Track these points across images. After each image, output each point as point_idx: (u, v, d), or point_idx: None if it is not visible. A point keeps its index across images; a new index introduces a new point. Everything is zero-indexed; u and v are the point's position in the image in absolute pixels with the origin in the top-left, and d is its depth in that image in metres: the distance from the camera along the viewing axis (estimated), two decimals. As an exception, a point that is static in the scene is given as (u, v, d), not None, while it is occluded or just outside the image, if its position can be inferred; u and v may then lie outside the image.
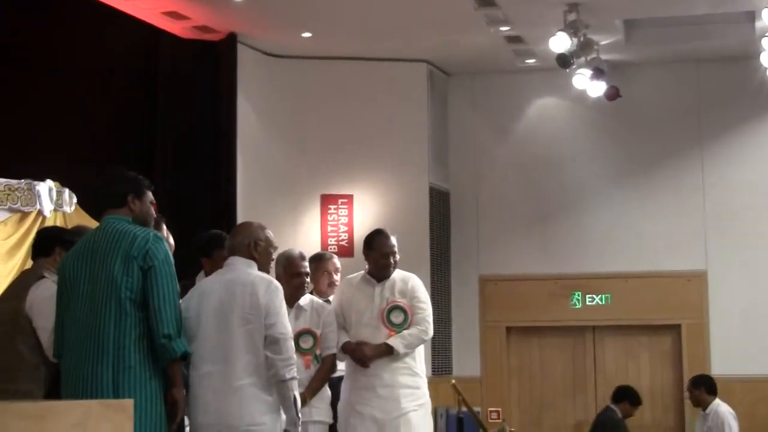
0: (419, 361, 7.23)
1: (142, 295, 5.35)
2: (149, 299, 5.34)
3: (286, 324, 5.80)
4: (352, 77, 11.54)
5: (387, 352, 7.09)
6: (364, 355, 7.07)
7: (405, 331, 7.14)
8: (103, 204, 5.66)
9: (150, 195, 5.70)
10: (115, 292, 5.33)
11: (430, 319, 7.27)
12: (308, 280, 7.19)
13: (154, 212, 5.72)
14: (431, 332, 7.27)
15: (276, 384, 5.72)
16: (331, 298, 7.69)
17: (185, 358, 5.46)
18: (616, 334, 12.02)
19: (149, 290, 5.35)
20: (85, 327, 5.36)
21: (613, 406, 10.51)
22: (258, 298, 5.72)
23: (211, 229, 7.30)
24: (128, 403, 3.51)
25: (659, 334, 11.91)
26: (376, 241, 7.34)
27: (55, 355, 5.61)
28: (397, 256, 7.31)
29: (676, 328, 11.84)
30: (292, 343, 5.84)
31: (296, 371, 5.82)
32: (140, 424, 5.23)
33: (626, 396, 10.53)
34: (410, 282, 7.30)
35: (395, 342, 7.09)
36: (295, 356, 5.83)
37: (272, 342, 5.70)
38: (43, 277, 5.97)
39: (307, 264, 7.19)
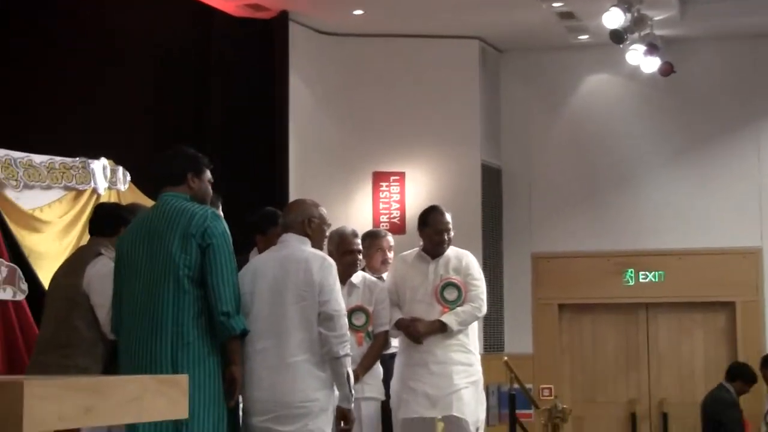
0: (472, 338, 7.25)
1: (200, 272, 5.38)
2: (208, 277, 5.37)
3: (340, 301, 5.82)
4: (403, 54, 11.52)
5: (440, 329, 7.10)
6: (417, 332, 7.08)
7: (459, 308, 7.14)
8: (162, 181, 5.68)
9: (208, 173, 5.73)
10: (173, 270, 5.36)
11: (484, 296, 7.27)
12: (360, 257, 7.22)
13: (211, 190, 5.75)
14: (485, 309, 7.27)
15: (330, 361, 5.74)
16: (384, 275, 7.71)
17: (244, 335, 5.50)
18: (669, 311, 11.95)
19: (208, 268, 5.38)
20: (143, 304, 5.41)
21: (726, 384, 10.14)
22: (312, 275, 5.74)
23: (264, 206, 7.33)
24: (183, 378, 3.53)
25: (713, 312, 11.82)
26: (430, 218, 7.35)
27: (112, 331, 5.66)
28: (452, 233, 7.31)
29: (730, 306, 11.75)
30: (346, 320, 5.86)
31: (350, 348, 5.85)
32: (198, 400, 5.28)
33: (741, 374, 10.14)
34: (464, 259, 7.30)
35: (449, 319, 7.10)
36: (348, 333, 5.86)
37: (326, 319, 5.72)
38: (100, 254, 6.02)
39: (359, 241, 7.21)
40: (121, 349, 5.56)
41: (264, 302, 5.71)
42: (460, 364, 7.14)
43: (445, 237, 7.28)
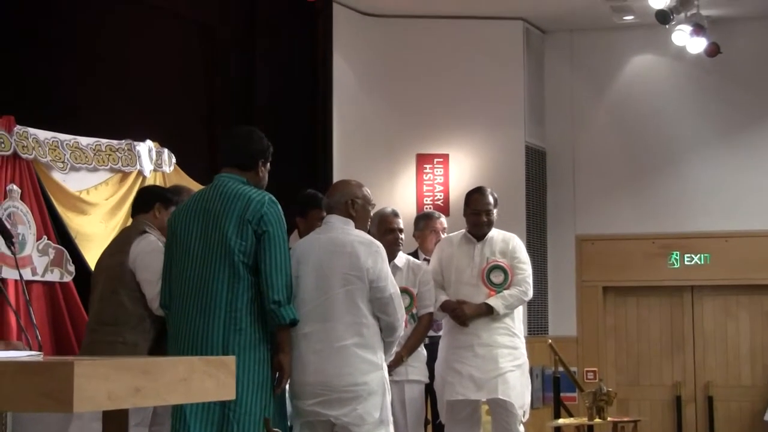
0: (518, 321, 7.23)
1: (254, 259, 5.39)
2: (261, 264, 5.37)
3: (395, 283, 5.85)
4: (447, 36, 11.49)
5: (487, 312, 7.09)
6: (463, 314, 7.08)
7: (505, 292, 7.13)
8: (229, 160, 5.67)
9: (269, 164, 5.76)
10: (228, 255, 5.36)
11: (530, 280, 7.25)
12: (402, 236, 7.21)
13: (267, 181, 5.77)
14: (531, 293, 7.26)
15: (386, 344, 5.79)
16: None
17: (294, 324, 5.50)
18: (714, 294, 11.87)
19: (262, 255, 5.38)
20: (196, 284, 5.42)
21: None
22: (359, 260, 5.72)
23: (308, 188, 7.34)
24: (230, 360, 3.55)
25: (759, 294, 11.73)
26: (471, 199, 7.35)
27: (162, 306, 5.69)
28: (493, 215, 7.28)
29: (776, 289, 11.67)
30: (401, 302, 5.88)
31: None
32: (247, 386, 5.30)
33: None
34: (511, 242, 7.28)
35: (496, 302, 7.09)
36: (403, 311, 5.90)
37: (385, 304, 5.73)
38: (145, 232, 6.08)
39: (400, 221, 7.21)
40: (171, 326, 5.58)
41: (310, 286, 5.72)
42: (506, 348, 7.13)
43: (483, 218, 7.24)
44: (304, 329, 5.65)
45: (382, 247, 5.92)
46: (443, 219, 8.00)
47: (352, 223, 5.91)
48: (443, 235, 7.81)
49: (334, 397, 5.64)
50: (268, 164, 5.73)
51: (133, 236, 6.09)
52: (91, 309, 6.27)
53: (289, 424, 5.73)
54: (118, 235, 6.44)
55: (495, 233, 7.31)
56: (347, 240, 5.80)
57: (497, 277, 7.17)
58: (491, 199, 7.30)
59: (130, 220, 6.68)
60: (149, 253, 5.96)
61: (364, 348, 5.70)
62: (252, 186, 5.55)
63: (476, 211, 7.28)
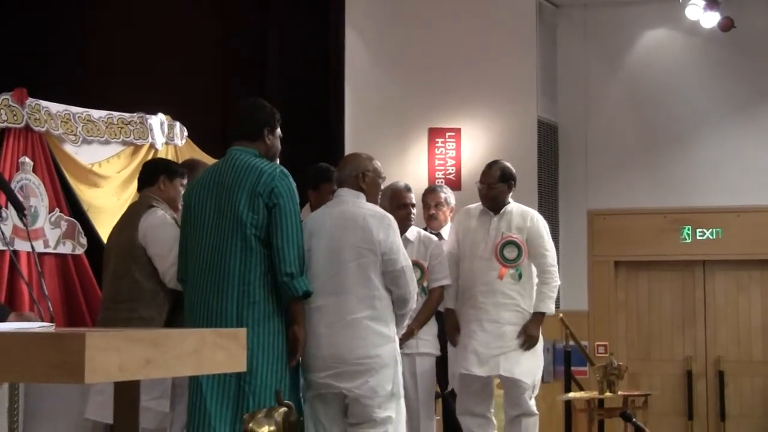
0: (527, 298, 7.22)
1: (267, 232, 5.40)
2: (272, 237, 5.39)
3: (407, 256, 5.86)
4: (460, 10, 11.43)
5: (542, 318, 7.16)
6: (535, 338, 7.13)
7: (542, 289, 7.15)
8: (237, 133, 5.68)
9: (279, 129, 5.74)
10: (240, 229, 5.38)
11: (555, 265, 7.26)
12: (414, 211, 7.22)
13: (280, 146, 5.76)
14: (558, 279, 7.28)
15: (398, 317, 5.81)
16: (442, 231, 7.73)
17: (307, 296, 5.51)
18: (726, 268, 11.85)
19: (273, 228, 5.39)
20: (210, 258, 5.44)
21: None
22: (371, 233, 5.73)
23: (320, 162, 7.34)
24: (241, 332, 3.57)
25: (771, 269, 11.72)
26: (482, 171, 7.37)
27: (179, 279, 5.72)
28: (496, 189, 7.24)
29: (788, 264, 11.66)
30: (413, 274, 5.90)
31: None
32: (262, 358, 5.33)
33: None
34: (529, 220, 7.26)
35: (544, 307, 7.15)
36: (415, 284, 5.92)
37: (397, 277, 5.74)
38: (152, 206, 6.09)
39: (413, 195, 7.22)
40: (187, 299, 5.61)
41: (322, 259, 5.73)
42: (513, 324, 7.14)
43: (485, 192, 7.24)
44: (316, 302, 5.66)
45: (394, 220, 5.93)
46: (441, 193, 7.95)
47: (363, 197, 5.92)
48: (439, 211, 7.80)
49: (347, 370, 5.66)
50: (278, 130, 5.71)
51: (141, 211, 6.09)
52: (104, 286, 6.29)
53: (300, 396, 5.75)
54: (126, 211, 6.45)
55: (513, 207, 7.30)
56: (359, 213, 5.81)
57: (511, 253, 7.17)
58: (497, 174, 7.27)
59: (138, 195, 6.69)
60: (158, 226, 5.97)
61: (376, 321, 5.72)
62: (264, 158, 5.56)
63: (481, 183, 7.30)
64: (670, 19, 11.60)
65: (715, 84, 11.76)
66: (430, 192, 8.01)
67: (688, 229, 11.78)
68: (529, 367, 7.15)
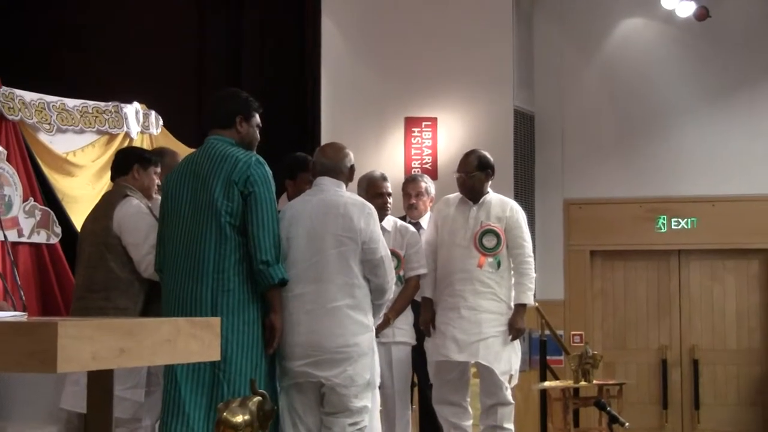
0: (505, 287, 7.21)
1: (242, 220, 5.39)
2: (248, 225, 5.38)
3: (386, 246, 5.87)
4: (436, -1, 11.43)
5: (524, 309, 7.17)
6: (521, 331, 7.16)
7: (521, 280, 7.15)
8: (210, 122, 5.68)
9: (257, 118, 5.72)
10: (215, 217, 5.37)
11: (531, 255, 7.27)
12: (390, 200, 7.22)
13: (258, 135, 5.75)
14: (533, 266, 7.29)
15: (375, 306, 5.81)
16: (420, 221, 7.73)
17: (283, 284, 5.51)
18: (701, 258, 11.90)
19: (249, 216, 5.38)
20: (185, 247, 5.44)
21: None
22: (352, 221, 5.73)
23: (296, 151, 7.33)
24: (215, 321, 3.56)
25: (746, 259, 11.77)
26: (460, 160, 7.38)
27: (157, 270, 5.70)
28: (474, 179, 7.24)
29: (763, 253, 11.70)
30: (392, 264, 5.91)
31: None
32: (237, 346, 5.32)
33: None
34: (509, 210, 7.26)
35: (524, 299, 7.16)
36: (393, 274, 5.92)
37: (376, 266, 5.75)
38: (127, 195, 6.06)
39: (388, 184, 7.21)
40: (164, 289, 5.60)
41: (301, 247, 5.72)
42: (491, 313, 7.14)
43: (463, 181, 7.25)
44: (295, 290, 5.65)
45: (374, 209, 5.94)
46: (421, 182, 7.94)
47: (343, 185, 5.94)
48: (419, 200, 7.80)
49: (325, 358, 5.65)
50: (255, 119, 5.70)
51: (115, 201, 6.07)
52: (77, 276, 6.26)
53: (276, 384, 5.74)
54: (100, 200, 6.41)
55: (493, 197, 7.30)
56: (340, 201, 5.81)
57: (489, 242, 7.17)
58: (475, 162, 7.27)
59: (112, 184, 6.66)
60: (133, 215, 5.95)
61: (355, 309, 5.72)
62: (240, 147, 5.55)
63: (457, 173, 7.31)
64: (646, 8, 11.63)
65: (691, 73, 11.80)
66: (411, 181, 8.00)
67: (664, 219, 11.82)
68: (507, 356, 7.16)
